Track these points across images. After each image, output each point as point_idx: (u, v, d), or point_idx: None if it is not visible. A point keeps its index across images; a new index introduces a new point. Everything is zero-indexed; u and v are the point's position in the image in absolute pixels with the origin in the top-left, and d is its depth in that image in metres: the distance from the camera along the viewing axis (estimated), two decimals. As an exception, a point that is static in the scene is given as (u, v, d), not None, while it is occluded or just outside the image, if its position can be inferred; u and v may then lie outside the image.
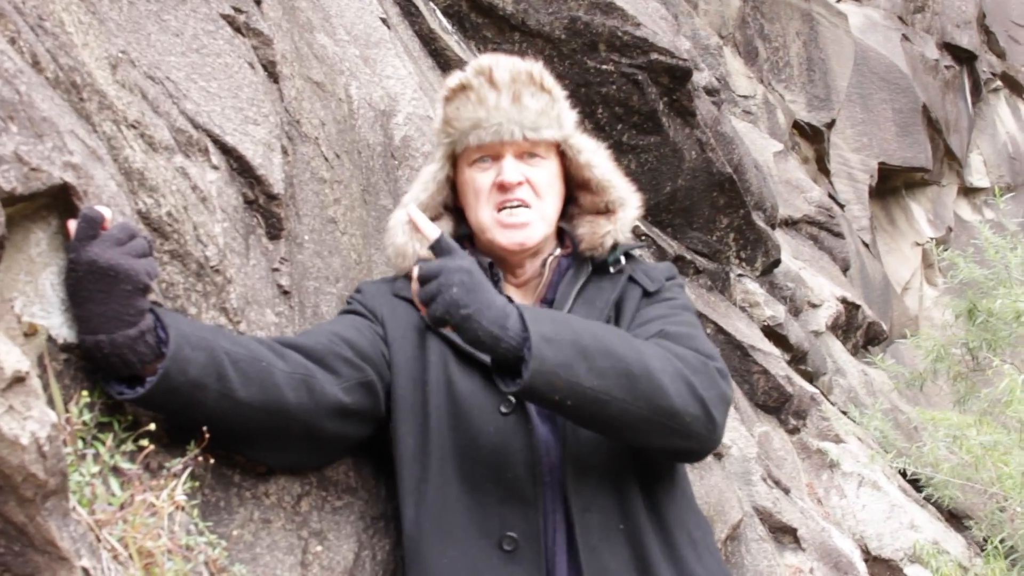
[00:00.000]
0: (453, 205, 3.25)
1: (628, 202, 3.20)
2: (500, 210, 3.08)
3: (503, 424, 2.85)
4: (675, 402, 2.67)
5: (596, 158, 3.20)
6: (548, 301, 3.13)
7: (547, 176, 3.13)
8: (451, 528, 2.78)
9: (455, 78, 3.16)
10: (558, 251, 3.18)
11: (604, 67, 6.39)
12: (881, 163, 14.62)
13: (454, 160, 3.20)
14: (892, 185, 15.56)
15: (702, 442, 2.79)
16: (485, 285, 2.65)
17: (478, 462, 2.83)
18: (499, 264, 3.14)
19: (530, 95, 3.10)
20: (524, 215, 3.07)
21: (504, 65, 3.13)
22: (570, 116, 3.20)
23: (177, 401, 2.38)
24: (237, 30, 3.26)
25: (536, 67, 3.16)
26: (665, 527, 2.89)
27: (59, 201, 2.23)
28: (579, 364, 2.58)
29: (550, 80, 3.18)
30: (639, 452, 2.90)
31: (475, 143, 3.11)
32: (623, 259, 3.17)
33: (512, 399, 2.86)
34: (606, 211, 3.19)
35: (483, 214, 3.12)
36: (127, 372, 2.30)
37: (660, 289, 3.14)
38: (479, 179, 3.11)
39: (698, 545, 2.93)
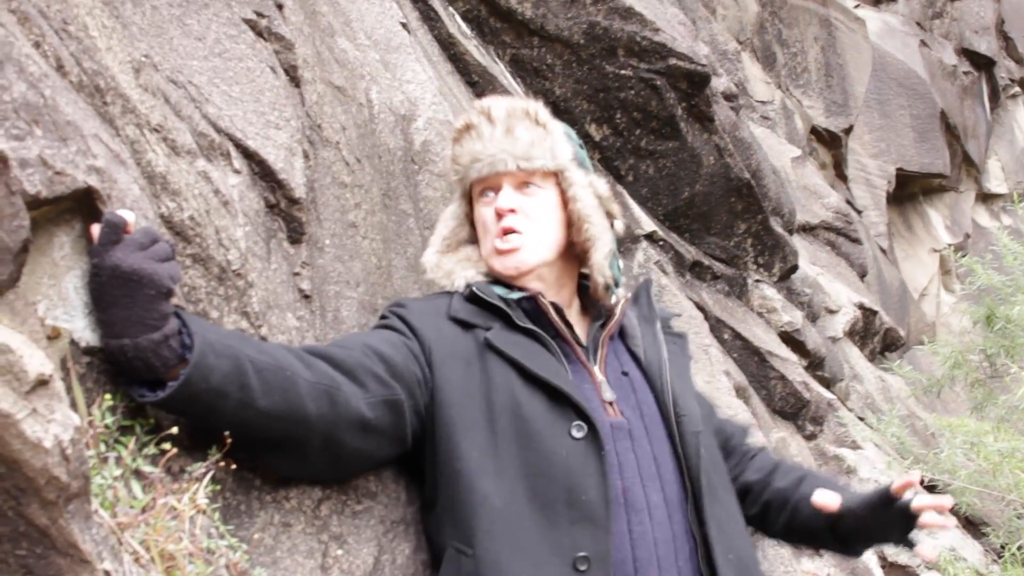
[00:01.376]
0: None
1: (597, 242, 3.22)
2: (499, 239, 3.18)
3: (575, 448, 2.89)
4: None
5: (582, 192, 3.24)
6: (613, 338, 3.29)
7: (540, 204, 3.20)
8: (525, 545, 2.80)
9: (461, 119, 3.29)
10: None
11: (623, 72, 6.40)
12: (899, 169, 14.59)
13: (470, 198, 3.32)
14: (910, 191, 15.53)
15: None
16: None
17: (551, 483, 2.86)
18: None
19: (524, 128, 3.20)
20: (515, 240, 3.16)
21: (502, 103, 3.27)
22: (566, 149, 3.26)
23: (197, 407, 2.39)
24: (259, 34, 3.26)
25: (533, 104, 3.28)
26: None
27: (83, 205, 2.24)
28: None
29: (545, 115, 3.27)
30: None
31: (475, 176, 3.23)
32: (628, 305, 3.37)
33: (584, 424, 2.92)
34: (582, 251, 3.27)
35: (486, 245, 3.24)
36: (150, 376, 2.31)
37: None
38: (483, 212, 3.24)
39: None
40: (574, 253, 3.26)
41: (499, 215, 3.16)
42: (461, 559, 2.83)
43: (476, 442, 2.91)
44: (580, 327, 3.24)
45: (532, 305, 3.13)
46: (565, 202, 3.24)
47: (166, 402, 2.32)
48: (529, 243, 3.15)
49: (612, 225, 3.33)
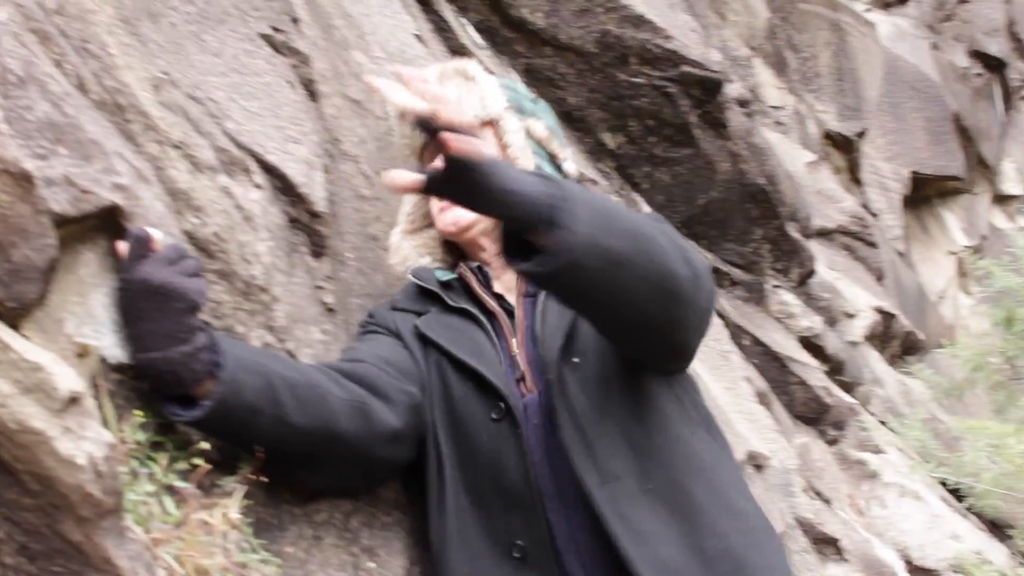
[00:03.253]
0: None
1: None
2: None
3: (495, 431, 2.82)
4: (672, 264, 2.54)
5: (513, 137, 3.08)
6: (530, 295, 3.04)
7: None
8: (468, 538, 2.78)
9: None
10: None
11: (635, 80, 6.39)
12: (913, 172, 14.55)
13: None
14: (924, 194, 15.49)
15: (694, 308, 2.67)
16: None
17: (479, 471, 2.83)
18: (487, 266, 3.11)
19: (453, 86, 3.05)
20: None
21: (436, 68, 3.19)
22: (498, 98, 3.12)
23: (232, 424, 2.40)
24: (276, 49, 3.27)
25: (465, 62, 3.20)
26: (695, 472, 2.80)
27: (108, 222, 2.25)
28: (606, 224, 2.43)
29: (476, 70, 3.16)
30: (639, 406, 2.82)
31: (418, 143, 3.13)
32: None
33: (502, 405, 2.83)
34: None
35: (432, 208, 3.15)
36: (180, 391, 2.32)
37: None
38: None
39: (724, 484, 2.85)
40: None
41: None
42: (434, 556, 2.85)
43: (428, 436, 2.89)
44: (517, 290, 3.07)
45: (461, 283, 3.07)
46: (504, 151, 3.08)
47: (200, 421, 2.33)
48: None
49: (558, 167, 3.18)
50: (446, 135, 2.32)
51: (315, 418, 2.54)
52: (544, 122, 3.24)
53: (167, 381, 2.30)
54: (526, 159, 3.05)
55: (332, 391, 2.61)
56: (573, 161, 3.28)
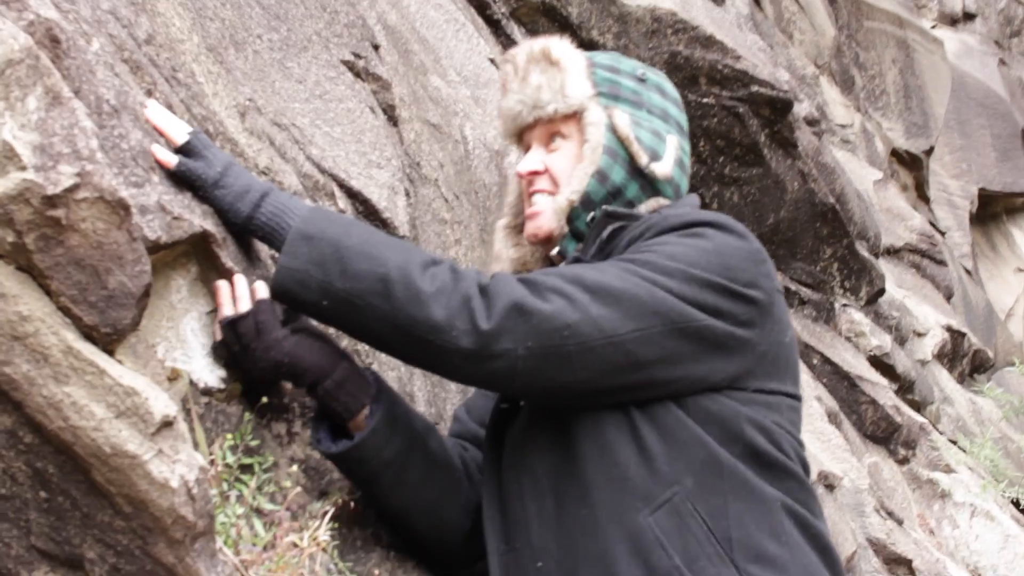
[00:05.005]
0: None
1: (563, 188, 2.70)
2: None
3: (497, 418, 2.69)
4: (432, 312, 2.29)
5: (592, 131, 2.67)
6: None
7: (565, 158, 2.72)
8: (490, 530, 2.63)
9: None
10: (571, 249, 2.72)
11: (705, 100, 6.40)
12: (981, 189, 14.44)
13: None
14: (992, 211, 15.37)
15: (462, 357, 2.32)
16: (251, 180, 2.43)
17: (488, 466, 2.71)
18: None
19: (537, 72, 2.74)
20: (539, 203, 2.73)
21: (524, 47, 2.84)
22: (583, 84, 2.71)
23: (363, 471, 2.51)
24: (357, 75, 3.31)
25: (552, 41, 2.80)
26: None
27: (198, 248, 2.29)
28: (334, 265, 2.30)
29: (561, 50, 2.76)
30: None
31: (504, 135, 2.92)
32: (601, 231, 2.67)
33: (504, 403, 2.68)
34: None
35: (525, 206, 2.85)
36: (342, 410, 2.47)
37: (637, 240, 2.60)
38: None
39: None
40: None
41: (523, 180, 2.79)
42: None
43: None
44: None
45: None
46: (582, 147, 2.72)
47: (341, 455, 2.47)
48: (551, 208, 2.69)
49: (639, 167, 2.67)
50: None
51: (435, 494, 2.65)
52: (634, 110, 2.72)
53: (340, 400, 2.46)
54: (593, 159, 2.66)
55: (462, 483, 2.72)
56: (673, 157, 2.74)
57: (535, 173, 2.74)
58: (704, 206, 6.62)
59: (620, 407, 2.43)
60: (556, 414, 2.49)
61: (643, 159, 2.66)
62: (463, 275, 2.36)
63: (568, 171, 2.69)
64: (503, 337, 2.29)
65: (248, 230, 2.40)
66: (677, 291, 2.38)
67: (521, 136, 2.82)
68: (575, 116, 2.71)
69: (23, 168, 1.81)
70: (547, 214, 2.70)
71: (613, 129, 2.67)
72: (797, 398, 2.63)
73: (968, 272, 13.12)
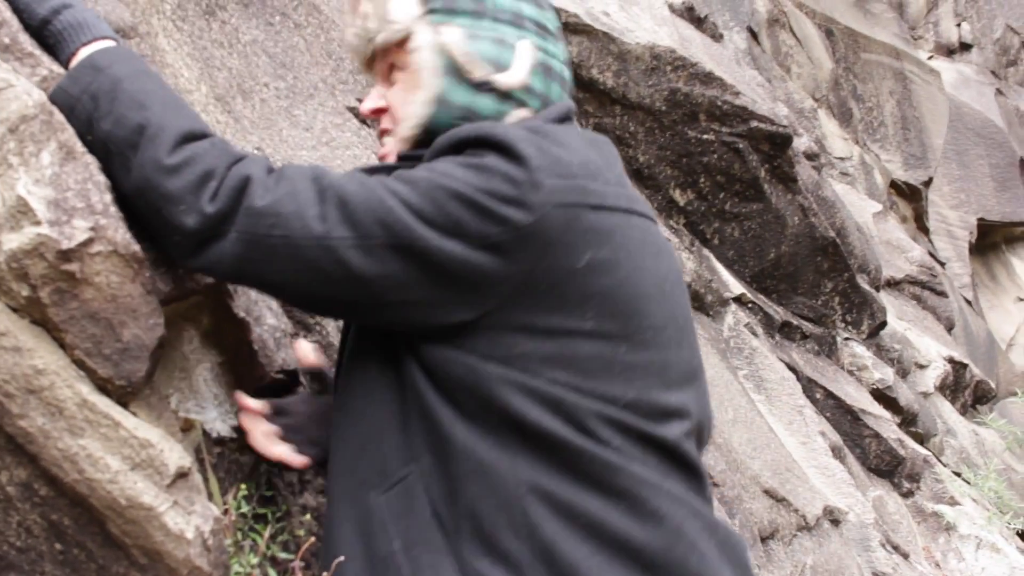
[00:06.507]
0: None
1: (400, 123, 2.32)
2: None
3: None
4: (166, 181, 2.04)
5: (419, 57, 2.29)
6: None
7: (403, 92, 2.33)
8: None
9: None
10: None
11: (705, 136, 6.43)
12: (980, 219, 14.48)
13: None
14: (991, 240, 15.40)
15: (182, 235, 2.04)
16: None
17: None
18: None
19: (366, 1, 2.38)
20: (387, 145, 2.37)
21: None
22: (407, 5, 2.32)
23: None
24: (363, 122, 3.33)
25: None
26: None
27: (210, 299, 2.30)
28: (106, 103, 2.08)
29: None
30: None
31: (360, 71, 2.59)
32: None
33: None
34: None
35: None
36: None
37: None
38: None
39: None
40: None
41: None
42: None
43: None
44: None
45: None
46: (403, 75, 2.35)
47: None
48: (392, 144, 2.36)
49: (477, 87, 2.29)
50: None
51: None
52: (473, 21, 2.33)
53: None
54: (426, 85, 2.28)
55: None
56: (528, 63, 2.32)
57: (378, 112, 2.38)
58: (705, 242, 6.62)
59: (395, 360, 2.13)
60: (362, 349, 2.21)
61: (479, 73, 2.27)
62: (222, 152, 2.10)
63: (404, 104, 2.31)
64: (225, 220, 2.04)
65: (40, 35, 2.16)
66: (415, 204, 2.03)
67: (369, 68, 2.46)
68: (405, 43, 2.32)
69: (37, 223, 1.83)
70: (392, 156, 2.34)
71: (441, 47, 2.28)
72: (619, 337, 2.10)
73: (969, 303, 13.13)
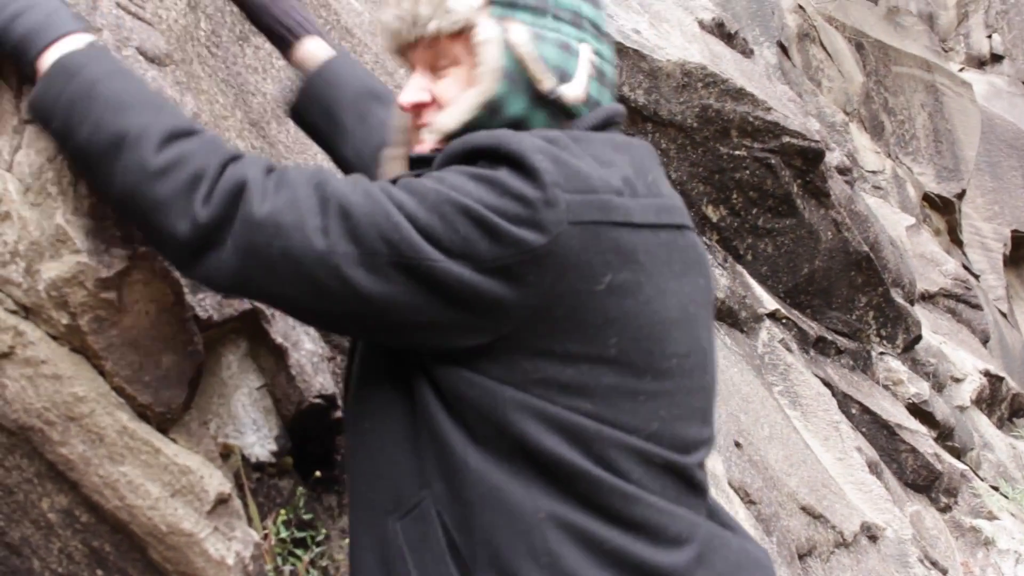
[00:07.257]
0: None
1: (441, 115, 2.09)
2: None
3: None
4: (153, 187, 1.90)
5: (485, 50, 2.06)
6: None
7: (457, 87, 2.12)
8: None
9: None
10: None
11: (737, 153, 6.42)
12: (1014, 231, 14.41)
13: None
14: (1026, 252, 15.34)
15: (178, 245, 1.90)
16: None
17: None
18: None
19: None
20: (426, 141, 2.10)
21: None
22: None
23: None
24: (397, 143, 3.35)
25: None
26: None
27: (247, 325, 2.31)
28: (82, 107, 1.96)
29: None
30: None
31: (387, 51, 2.28)
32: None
33: None
34: None
35: None
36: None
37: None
38: None
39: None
40: None
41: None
42: None
43: None
44: None
45: None
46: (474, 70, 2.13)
47: None
48: (431, 141, 2.12)
49: (539, 99, 2.07)
50: None
51: None
52: (536, 19, 2.13)
53: None
54: (486, 86, 2.06)
55: None
56: (587, 72, 2.12)
57: (420, 106, 2.14)
58: (738, 258, 6.61)
59: (405, 377, 2.01)
60: (371, 368, 2.07)
61: (548, 84, 2.07)
62: (213, 149, 1.95)
63: (454, 100, 2.10)
64: (220, 228, 1.89)
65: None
66: (422, 220, 1.88)
67: (405, 53, 2.21)
68: (463, 34, 2.10)
69: (77, 251, 1.84)
70: (426, 145, 2.11)
71: (509, 47, 2.07)
72: (642, 366, 1.98)
73: (1004, 315, 13.06)
